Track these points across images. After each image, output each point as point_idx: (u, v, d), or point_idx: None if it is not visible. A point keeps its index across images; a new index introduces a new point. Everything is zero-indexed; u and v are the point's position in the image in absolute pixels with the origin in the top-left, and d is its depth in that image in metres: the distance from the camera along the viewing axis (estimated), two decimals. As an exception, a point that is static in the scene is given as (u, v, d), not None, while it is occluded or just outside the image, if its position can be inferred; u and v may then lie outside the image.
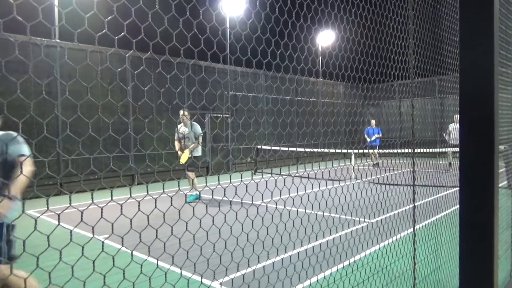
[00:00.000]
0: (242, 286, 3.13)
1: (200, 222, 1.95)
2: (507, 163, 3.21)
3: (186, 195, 8.06)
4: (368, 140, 14.52)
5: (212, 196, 1.95)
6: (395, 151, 14.08)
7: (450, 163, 11.71)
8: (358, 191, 3.60)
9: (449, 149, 11.25)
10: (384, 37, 3.08)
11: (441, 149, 11.26)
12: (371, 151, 14.13)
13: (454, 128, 11.62)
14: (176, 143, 8.13)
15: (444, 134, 11.99)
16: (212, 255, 2.99)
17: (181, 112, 8.16)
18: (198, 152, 8.25)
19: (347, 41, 3.04)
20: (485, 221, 1.48)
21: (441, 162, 11.95)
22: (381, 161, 14.04)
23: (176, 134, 8.20)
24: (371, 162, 14.56)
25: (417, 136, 3.30)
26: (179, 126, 8.24)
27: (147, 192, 1.67)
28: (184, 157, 7.94)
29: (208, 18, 2.02)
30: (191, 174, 8.16)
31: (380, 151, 13.57)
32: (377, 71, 3.10)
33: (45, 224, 6.38)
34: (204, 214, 2.00)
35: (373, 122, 14.94)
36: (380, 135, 14.75)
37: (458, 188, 1.56)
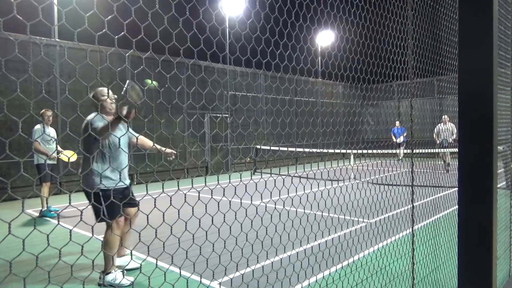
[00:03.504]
0: (241, 286, 3.13)
1: (200, 222, 1.96)
2: (506, 163, 3.22)
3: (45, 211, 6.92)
4: (394, 140, 15.29)
5: (212, 196, 1.96)
6: (395, 151, 14.13)
7: (448, 164, 11.75)
8: (357, 191, 3.61)
9: (445, 150, 11.32)
10: (383, 38, 3.09)
11: (440, 149, 11.27)
12: (397, 150, 14.92)
13: (442, 129, 11.67)
14: (44, 148, 6.76)
15: (434, 136, 12.11)
16: (211, 255, 3.00)
17: (49, 112, 7.00)
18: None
19: (346, 41, 3.04)
20: (484, 222, 1.48)
21: (440, 162, 11.96)
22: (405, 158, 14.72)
23: (43, 137, 6.81)
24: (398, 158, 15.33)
25: (416, 136, 3.30)
26: (48, 129, 6.98)
27: (147, 192, 1.67)
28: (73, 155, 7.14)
29: (207, 18, 2.02)
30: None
31: (404, 150, 14.24)
32: (376, 72, 3.11)
33: (44, 223, 6.38)
34: (204, 214, 2.00)
35: (397, 122, 15.77)
36: (405, 133, 15.54)
37: (457, 189, 1.56)
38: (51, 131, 7.07)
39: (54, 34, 10.18)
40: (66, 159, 7.32)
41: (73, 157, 7.33)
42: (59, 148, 7.41)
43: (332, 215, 3.46)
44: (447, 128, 11.42)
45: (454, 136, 11.31)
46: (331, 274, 3.33)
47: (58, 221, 7.14)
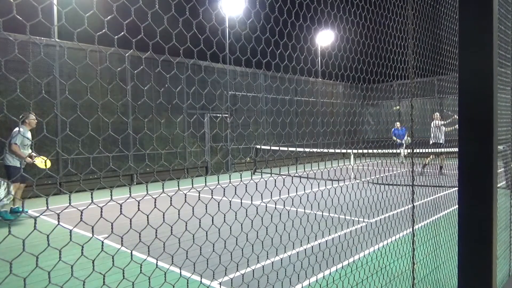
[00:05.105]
0: (241, 286, 3.13)
1: (200, 222, 1.96)
2: (506, 163, 3.22)
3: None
4: (398, 141, 15.09)
5: (212, 196, 1.95)
6: (395, 151, 14.11)
7: (441, 167, 11.52)
8: (357, 191, 3.60)
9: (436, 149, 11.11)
10: (384, 37, 3.08)
11: (439, 149, 11.24)
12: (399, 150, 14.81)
13: (434, 128, 11.34)
14: (22, 152, 6.86)
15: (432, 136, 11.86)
16: (212, 255, 3.00)
17: (33, 116, 7.02)
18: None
19: (347, 41, 3.04)
20: (484, 221, 1.48)
21: (437, 163, 11.94)
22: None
23: (22, 140, 6.83)
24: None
25: (416, 136, 3.31)
26: (28, 133, 6.99)
27: (147, 192, 1.67)
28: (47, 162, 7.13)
29: (207, 17, 2.02)
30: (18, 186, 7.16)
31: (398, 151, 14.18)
32: (376, 71, 3.10)
33: (44, 223, 6.37)
34: (204, 214, 2.00)
35: (397, 124, 15.58)
36: (406, 135, 15.27)
37: (457, 188, 1.56)
38: (29, 135, 7.03)
39: (54, 34, 10.18)
40: (42, 166, 7.19)
41: (48, 163, 7.17)
42: (34, 153, 7.20)
43: (332, 215, 3.47)
44: (439, 127, 11.10)
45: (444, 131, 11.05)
46: (331, 274, 3.33)
47: (58, 221, 7.12)
